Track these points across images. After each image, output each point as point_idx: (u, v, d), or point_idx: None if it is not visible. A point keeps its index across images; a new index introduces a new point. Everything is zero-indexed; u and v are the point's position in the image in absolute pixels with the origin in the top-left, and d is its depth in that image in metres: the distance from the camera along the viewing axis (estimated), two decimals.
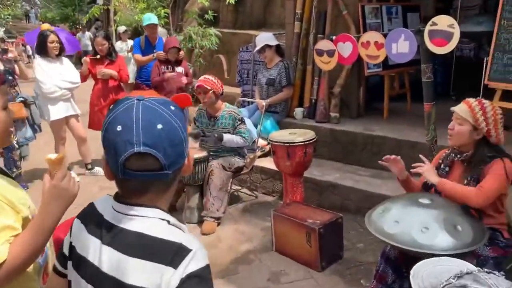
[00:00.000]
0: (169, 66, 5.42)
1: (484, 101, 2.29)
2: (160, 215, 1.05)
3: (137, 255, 0.99)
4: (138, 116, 0.99)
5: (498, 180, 2.15)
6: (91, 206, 1.16)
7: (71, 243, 1.13)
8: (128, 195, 1.06)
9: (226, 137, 3.99)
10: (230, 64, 7.90)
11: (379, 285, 2.43)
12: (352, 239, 3.61)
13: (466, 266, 1.23)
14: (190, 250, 0.98)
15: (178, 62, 5.40)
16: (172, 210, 4.20)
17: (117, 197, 1.08)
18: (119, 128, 0.99)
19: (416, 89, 5.45)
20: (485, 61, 4.16)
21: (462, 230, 2.08)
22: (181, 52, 5.41)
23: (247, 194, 4.66)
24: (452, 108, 2.34)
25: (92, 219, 1.11)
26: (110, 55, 5.20)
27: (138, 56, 5.59)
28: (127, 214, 1.04)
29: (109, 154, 1.02)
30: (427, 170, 2.33)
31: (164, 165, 1.00)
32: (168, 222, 1.05)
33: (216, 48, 7.73)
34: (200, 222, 3.89)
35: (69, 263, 1.13)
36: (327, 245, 3.15)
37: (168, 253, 0.98)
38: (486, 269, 1.18)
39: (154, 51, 5.51)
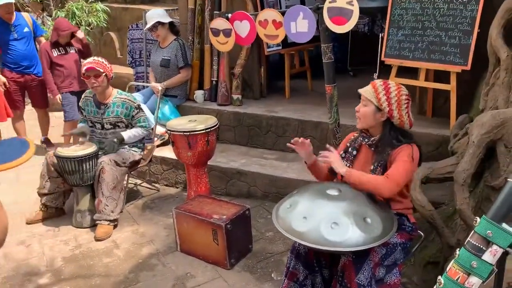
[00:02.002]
0: (60, 48, 4.77)
1: (390, 82, 2.23)
2: None
3: None
4: None
5: (405, 167, 2.09)
6: None
7: None
8: None
9: (126, 135, 3.57)
10: (123, 43, 7.28)
11: (291, 283, 2.28)
12: (261, 228, 3.46)
13: None
14: None
15: (69, 43, 4.83)
16: (61, 213, 3.71)
17: None
18: None
19: (315, 66, 5.43)
20: (380, 37, 4.18)
21: (371, 223, 1.98)
22: (79, 33, 4.86)
23: (147, 187, 4.28)
24: (359, 90, 2.24)
25: None
26: None
27: None
28: None
29: None
30: (334, 161, 2.20)
31: None
32: None
33: (105, 25, 7.06)
34: (94, 226, 3.45)
35: None
36: (236, 241, 2.95)
37: None
38: None
39: (13, 31, 4.76)
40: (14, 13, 4.81)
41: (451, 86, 3.50)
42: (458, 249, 1.41)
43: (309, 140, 2.38)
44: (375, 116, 2.20)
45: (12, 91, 4.88)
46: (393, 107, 2.16)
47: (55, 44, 4.75)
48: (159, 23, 4.50)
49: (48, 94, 4.90)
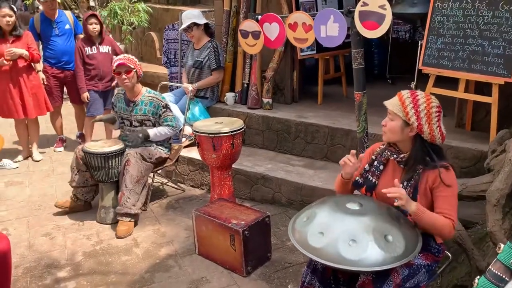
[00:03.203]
0: (93, 47, 4.87)
1: (418, 92, 2.04)
2: None
3: None
4: None
5: (456, 201, 1.96)
6: None
7: None
8: None
9: (152, 132, 3.58)
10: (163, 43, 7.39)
11: None
12: (282, 236, 3.37)
13: None
14: None
15: (102, 41, 4.89)
16: (88, 208, 3.78)
17: None
18: None
19: (351, 72, 5.28)
20: (419, 44, 4.00)
21: (393, 241, 1.85)
22: (99, 27, 4.84)
23: (173, 187, 4.28)
24: (384, 103, 2.09)
25: None
26: (15, 30, 4.55)
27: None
28: None
29: None
30: (404, 198, 1.89)
31: None
32: None
33: (146, 25, 7.19)
34: (116, 222, 3.47)
35: None
36: (253, 248, 2.88)
37: None
38: None
39: (55, 27, 4.89)
40: (57, 10, 4.98)
41: (493, 99, 3.29)
42: (478, 277, 1.28)
43: (361, 154, 2.22)
44: (403, 131, 2.03)
45: (52, 86, 5.03)
46: (422, 121, 1.98)
47: (89, 41, 4.84)
48: (194, 24, 4.51)
49: None
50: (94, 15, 4.80)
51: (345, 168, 2.16)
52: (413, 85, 4.11)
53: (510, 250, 1.20)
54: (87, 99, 4.91)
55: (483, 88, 3.48)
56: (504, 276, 1.20)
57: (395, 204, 1.90)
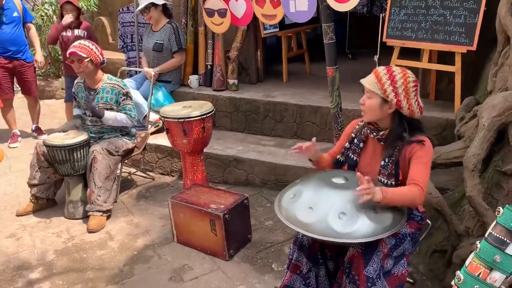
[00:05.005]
0: (69, 30, 4.63)
1: (394, 68, 2.01)
2: None
3: None
4: None
5: (428, 169, 1.95)
6: None
7: None
8: None
9: (108, 114, 3.39)
10: (115, 27, 7.07)
11: (293, 276, 2.17)
12: (260, 217, 3.35)
13: None
14: None
15: (78, 25, 4.67)
16: (52, 205, 3.58)
17: None
18: None
19: (313, 48, 5.28)
20: (381, 17, 4.02)
21: (381, 212, 1.87)
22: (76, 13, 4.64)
23: (142, 176, 4.15)
24: (361, 81, 2.06)
25: None
26: None
27: None
28: None
29: None
30: (372, 193, 1.82)
31: None
32: None
33: (96, 9, 6.86)
34: (86, 217, 3.33)
35: None
36: (234, 231, 2.83)
37: None
38: None
39: (1, 14, 4.58)
40: None
41: (456, 68, 3.37)
42: (479, 241, 1.30)
43: (314, 140, 2.19)
44: (382, 108, 2.00)
45: (1, 77, 4.70)
46: (400, 97, 1.96)
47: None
48: (152, 4, 4.31)
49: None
50: (69, 2, 4.54)
51: (305, 154, 2.20)
52: (376, 58, 4.14)
53: (510, 213, 1.22)
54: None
55: (445, 58, 3.57)
56: (505, 239, 1.21)
57: (359, 202, 1.83)
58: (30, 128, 5.23)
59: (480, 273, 1.25)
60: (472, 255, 1.29)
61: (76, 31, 4.67)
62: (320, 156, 2.24)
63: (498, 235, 1.24)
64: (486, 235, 1.27)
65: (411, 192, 1.89)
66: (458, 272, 1.30)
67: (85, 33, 4.70)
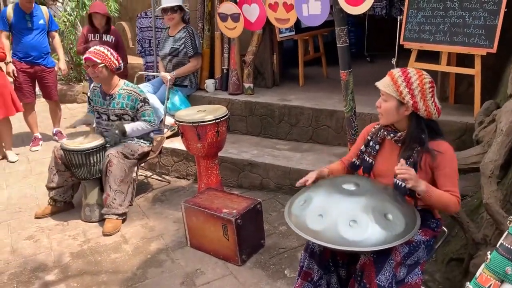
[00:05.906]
0: (96, 35, 4.75)
1: (409, 70, 1.99)
2: None
3: None
4: None
5: (457, 175, 1.95)
6: None
7: None
8: None
9: (129, 128, 3.44)
10: (135, 32, 7.18)
11: (304, 283, 2.14)
12: (274, 222, 3.33)
13: None
14: None
15: (107, 31, 4.79)
16: (69, 207, 3.64)
17: None
18: None
19: (330, 51, 5.23)
20: (398, 20, 3.96)
21: (393, 219, 1.82)
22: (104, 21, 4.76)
23: (158, 180, 4.18)
24: (376, 84, 2.03)
25: None
26: None
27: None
28: None
29: None
30: (415, 180, 1.85)
31: None
32: None
33: (116, 14, 6.97)
34: (103, 220, 3.37)
35: None
36: (246, 236, 2.82)
37: None
38: None
39: (28, 21, 4.69)
40: (33, 4, 4.77)
41: (476, 71, 3.29)
42: (489, 252, 1.25)
43: (316, 172, 2.16)
44: (398, 111, 1.98)
45: (22, 81, 4.82)
46: (417, 99, 1.93)
47: (93, 29, 4.77)
48: (179, 7, 4.36)
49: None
50: (97, 12, 4.69)
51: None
52: (394, 61, 4.08)
53: None
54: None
55: (464, 60, 3.48)
56: None
57: (408, 186, 1.87)
58: (51, 132, 5.34)
59: (490, 285, 1.21)
60: (482, 266, 1.25)
61: (104, 36, 4.78)
62: (330, 173, 2.25)
63: (509, 246, 1.19)
64: (497, 245, 1.23)
65: (450, 199, 1.92)
66: (468, 284, 1.26)
67: (113, 39, 4.80)
